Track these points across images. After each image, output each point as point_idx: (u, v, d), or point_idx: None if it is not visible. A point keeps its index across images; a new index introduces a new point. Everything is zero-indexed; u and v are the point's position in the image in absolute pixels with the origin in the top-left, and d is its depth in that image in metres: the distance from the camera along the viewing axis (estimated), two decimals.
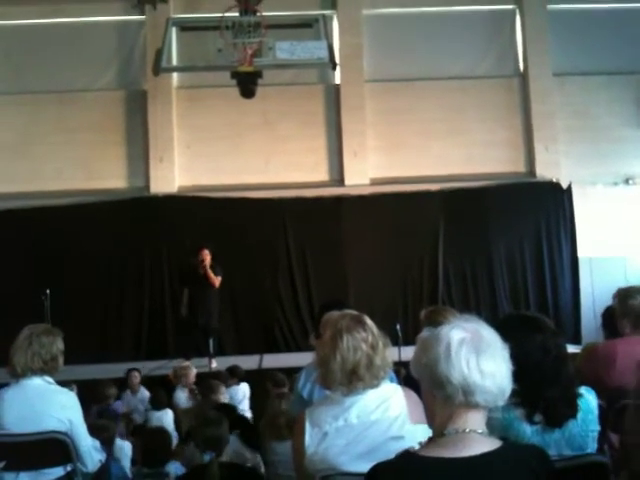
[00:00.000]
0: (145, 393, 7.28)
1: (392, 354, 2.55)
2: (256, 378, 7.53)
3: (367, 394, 2.37)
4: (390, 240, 10.55)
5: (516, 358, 2.20)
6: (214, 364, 8.79)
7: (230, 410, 4.88)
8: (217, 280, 9.15)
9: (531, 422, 2.29)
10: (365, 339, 2.41)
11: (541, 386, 2.27)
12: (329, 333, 2.45)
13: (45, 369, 3.33)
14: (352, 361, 2.36)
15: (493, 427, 2.08)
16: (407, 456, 1.69)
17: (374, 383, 2.38)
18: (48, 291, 9.05)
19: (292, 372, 5.56)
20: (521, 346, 2.26)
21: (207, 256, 9.16)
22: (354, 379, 2.36)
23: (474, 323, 1.77)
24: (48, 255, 10.24)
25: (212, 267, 9.16)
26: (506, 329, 2.36)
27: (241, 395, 6.51)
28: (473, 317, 1.80)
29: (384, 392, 2.41)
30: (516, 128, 11.45)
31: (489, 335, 1.74)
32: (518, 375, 2.08)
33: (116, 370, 8.40)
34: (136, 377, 7.47)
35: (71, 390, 3.83)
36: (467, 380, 1.66)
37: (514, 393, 1.77)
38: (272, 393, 6.20)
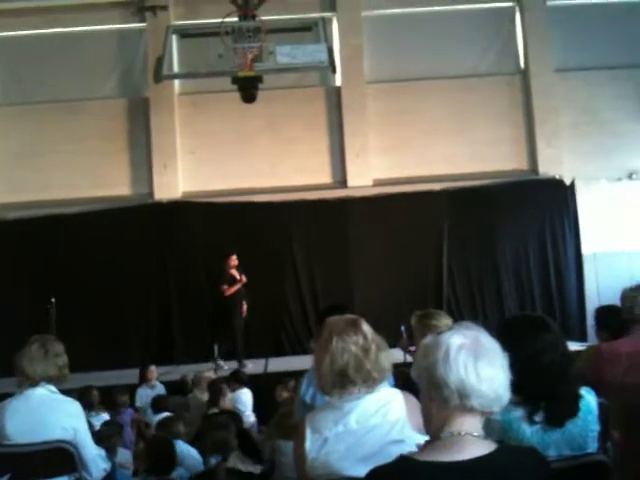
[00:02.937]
0: (161, 388, 7.39)
1: (391, 357, 2.55)
2: (262, 382, 7.57)
3: (366, 399, 2.37)
4: (395, 241, 10.55)
5: (529, 356, 2.25)
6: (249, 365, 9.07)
7: (235, 419, 4.90)
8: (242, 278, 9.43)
9: (532, 422, 2.30)
10: (355, 342, 2.41)
11: (551, 384, 2.30)
12: (323, 337, 2.47)
13: (60, 377, 3.37)
14: (340, 363, 2.36)
15: (492, 428, 2.10)
16: (403, 460, 1.71)
17: (369, 386, 2.39)
18: (53, 299, 9.10)
19: (298, 375, 5.58)
20: (534, 345, 2.33)
21: (236, 261, 9.40)
22: (345, 382, 2.36)
23: (474, 330, 1.79)
24: (54, 263, 10.31)
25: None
26: (518, 328, 2.42)
27: (244, 399, 6.53)
28: (473, 324, 1.83)
29: (383, 396, 2.41)
30: (518, 125, 11.44)
31: (488, 342, 1.77)
32: (528, 373, 2.13)
33: (123, 376, 8.46)
34: (152, 372, 7.58)
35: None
36: (464, 383, 1.67)
37: (517, 392, 1.78)
38: (280, 397, 6.24)
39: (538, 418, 2.29)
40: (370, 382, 2.39)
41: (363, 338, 2.43)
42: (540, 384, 2.28)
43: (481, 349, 1.72)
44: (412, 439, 2.10)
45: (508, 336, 2.11)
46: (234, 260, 9.34)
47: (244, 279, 9.35)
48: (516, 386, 1.76)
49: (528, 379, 2.19)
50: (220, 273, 9.35)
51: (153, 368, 7.75)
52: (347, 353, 2.38)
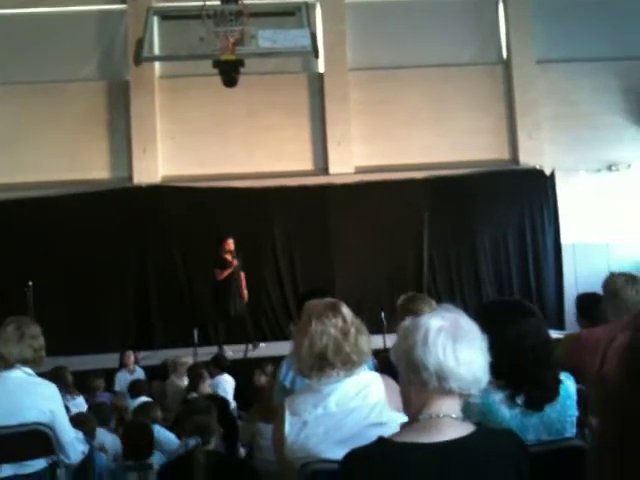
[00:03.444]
0: (141, 372, 7.39)
1: (371, 342, 2.55)
2: (243, 367, 7.57)
3: (345, 382, 2.38)
4: (375, 228, 10.58)
5: (512, 339, 2.26)
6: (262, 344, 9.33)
7: (221, 403, 4.89)
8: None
9: (512, 405, 2.32)
10: (335, 325, 2.41)
11: (533, 368, 2.31)
12: (302, 320, 2.47)
13: (36, 359, 3.33)
14: (319, 346, 2.36)
15: (472, 412, 2.11)
16: (381, 442, 1.71)
17: (348, 369, 2.39)
18: (30, 283, 9.01)
19: (277, 361, 5.58)
20: (518, 328, 2.34)
21: (232, 245, 9.27)
22: (324, 364, 2.37)
23: (454, 313, 1.79)
24: (30, 247, 10.18)
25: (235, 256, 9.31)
26: (502, 312, 2.43)
27: (225, 386, 6.51)
28: (453, 307, 1.83)
29: (363, 379, 2.42)
30: (500, 115, 11.48)
31: (468, 325, 1.76)
32: (510, 357, 2.16)
33: (102, 361, 8.42)
34: (129, 356, 7.57)
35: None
36: (442, 366, 1.68)
37: (498, 375, 1.78)
38: (259, 382, 6.24)
39: (520, 401, 2.31)
40: (349, 365, 2.39)
41: (342, 321, 2.43)
42: (522, 367, 2.29)
43: (460, 331, 1.73)
44: (394, 420, 2.10)
45: (491, 319, 2.12)
46: (230, 244, 9.21)
47: (235, 263, 9.22)
48: (497, 369, 1.77)
49: (510, 362, 2.21)
50: (214, 257, 9.24)
51: (130, 353, 7.74)
52: (326, 336, 2.38)
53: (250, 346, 9.27)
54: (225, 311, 9.25)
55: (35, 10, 11.28)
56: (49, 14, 11.30)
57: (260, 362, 7.20)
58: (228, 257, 9.19)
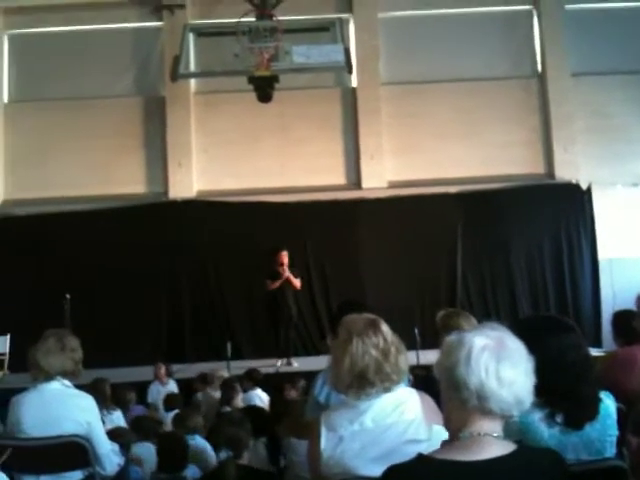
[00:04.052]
0: (173, 385, 7.43)
1: (408, 359, 2.53)
2: (273, 382, 7.55)
3: (382, 398, 2.35)
4: (408, 243, 10.51)
5: (553, 355, 2.23)
6: (295, 364, 9.14)
7: (260, 413, 4.88)
8: (297, 282, 9.29)
9: (551, 424, 2.27)
10: (376, 344, 2.38)
11: (573, 384, 2.28)
12: (342, 336, 2.45)
13: (75, 371, 3.37)
14: (361, 365, 2.34)
15: (510, 430, 2.08)
16: (421, 459, 1.69)
17: (386, 387, 2.37)
18: (68, 296, 9.15)
19: (309, 376, 5.56)
20: (559, 343, 2.31)
21: (285, 258, 9.20)
22: (364, 383, 2.34)
23: (499, 331, 1.76)
24: (68, 261, 10.34)
25: (290, 269, 9.24)
26: (542, 327, 2.39)
27: (257, 400, 6.49)
28: (499, 325, 1.80)
29: (399, 396, 2.39)
30: (534, 129, 11.38)
31: (513, 344, 1.73)
32: (550, 373, 2.12)
33: (134, 374, 8.48)
34: (160, 368, 7.66)
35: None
36: (483, 386, 1.66)
37: (537, 393, 1.75)
38: (289, 397, 6.22)
39: (559, 419, 2.27)
40: (388, 383, 2.37)
41: (383, 340, 2.40)
42: (562, 384, 2.25)
43: (505, 351, 1.70)
44: (438, 433, 2.06)
45: (530, 334, 2.08)
46: (283, 256, 9.18)
47: (286, 274, 9.14)
48: (536, 387, 1.74)
49: (550, 379, 2.16)
50: (267, 268, 9.25)
51: (161, 365, 7.79)
52: (367, 356, 2.35)
53: (283, 361, 9.23)
54: (289, 315, 9.28)
55: (72, 28, 11.55)
56: (86, 32, 11.56)
57: (291, 377, 7.20)
58: (282, 269, 9.15)
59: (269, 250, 9.34)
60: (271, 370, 8.75)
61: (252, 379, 6.95)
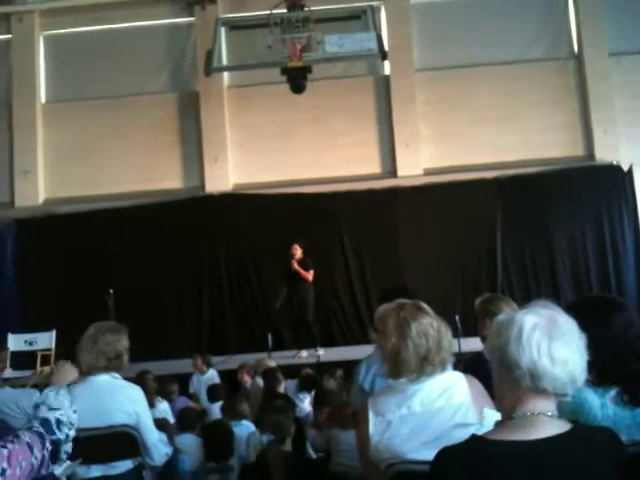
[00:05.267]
0: (214, 374, 7.53)
1: (452, 343, 2.51)
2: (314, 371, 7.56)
3: (429, 382, 2.34)
4: (446, 230, 10.42)
5: (617, 331, 2.18)
6: (304, 354, 9.21)
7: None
8: (309, 274, 9.30)
9: (605, 403, 2.22)
10: (431, 324, 2.40)
11: (634, 362, 2.21)
12: (392, 323, 2.43)
13: (109, 367, 3.39)
14: (425, 347, 2.35)
15: (562, 410, 2.04)
16: (475, 440, 1.67)
17: (443, 368, 2.38)
18: (111, 290, 9.30)
19: (350, 365, 5.57)
20: (621, 317, 2.24)
21: (297, 250, 9.36)
22: (425, 364, 2.35)
23: (550, 309, 1.73)
24: (110, 256, 10.51)
25: (303, 261, 9.32)
26: (602, 304, 2.33)
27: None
28: (550, 303, 1.77)
29: (447, 379, 2.38)
30: (573, 111, 11.17)
31: (565, 322, 1.70)
32: (613, 350, 2.10)
33: (177, 366, 8.59)
34: (197, 359, 7.80)
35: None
36: (536, 365, 1.63)
37: (591, 371, 1.72)
38: (327, 387, 6.24)
39: (612, 399, 2.22)
40: (444, 364, 2.39)
41: (434, 319, 2.42)
42: (622, 362, 2.19)
43: (557, 329, 1.67)
44: (490, 416, 2.04)
45: (593, 312, 2.04)
46: (292, 249, 9.38)
47: (295, 268, 9.35)
48: (591, 365, 1.70)
49: (609, 357, 2.12)
50: (304, 261, 9.37)
51: (197, 356, 7.89)
52: (429, 336, 2.38)
53: (310, 352, 9.30)
54: (300, 308, 9.36)
55: (106, 27, 11.69)
56: (120, 30, 11.70)
57: (329, 366, 7.23)
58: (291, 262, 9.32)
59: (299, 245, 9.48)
60: (303, 361, 8.80)
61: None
